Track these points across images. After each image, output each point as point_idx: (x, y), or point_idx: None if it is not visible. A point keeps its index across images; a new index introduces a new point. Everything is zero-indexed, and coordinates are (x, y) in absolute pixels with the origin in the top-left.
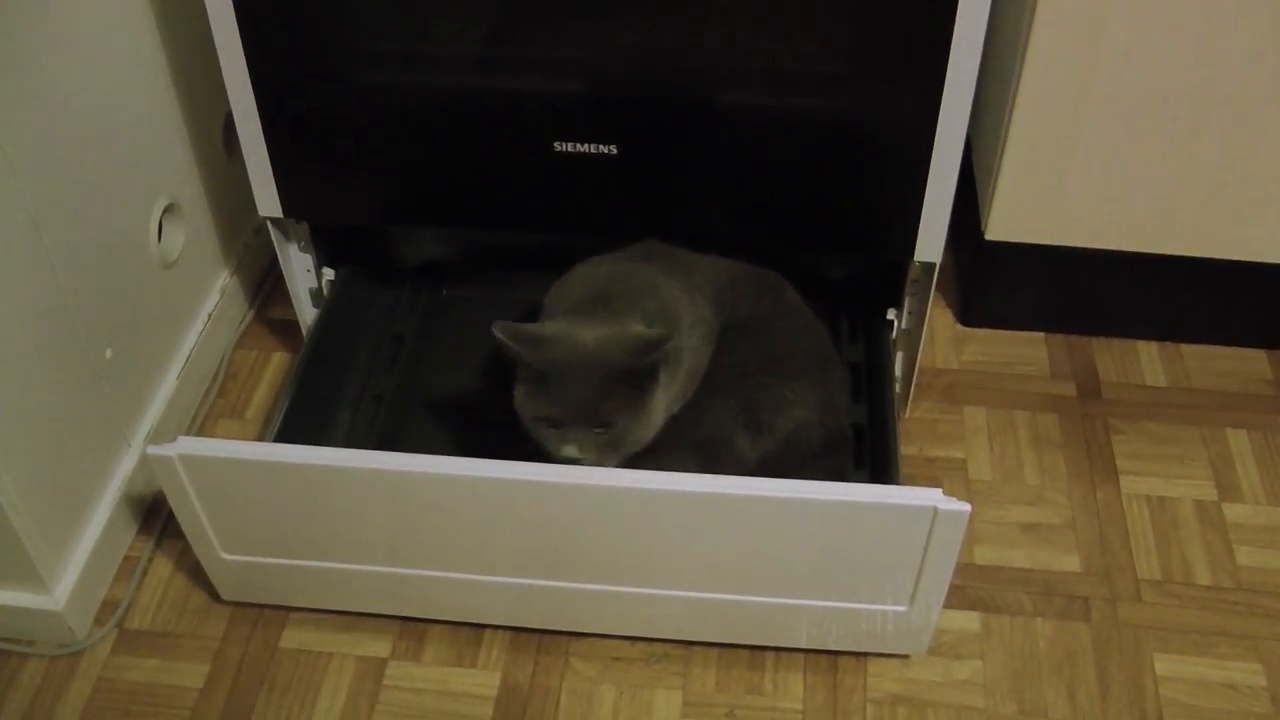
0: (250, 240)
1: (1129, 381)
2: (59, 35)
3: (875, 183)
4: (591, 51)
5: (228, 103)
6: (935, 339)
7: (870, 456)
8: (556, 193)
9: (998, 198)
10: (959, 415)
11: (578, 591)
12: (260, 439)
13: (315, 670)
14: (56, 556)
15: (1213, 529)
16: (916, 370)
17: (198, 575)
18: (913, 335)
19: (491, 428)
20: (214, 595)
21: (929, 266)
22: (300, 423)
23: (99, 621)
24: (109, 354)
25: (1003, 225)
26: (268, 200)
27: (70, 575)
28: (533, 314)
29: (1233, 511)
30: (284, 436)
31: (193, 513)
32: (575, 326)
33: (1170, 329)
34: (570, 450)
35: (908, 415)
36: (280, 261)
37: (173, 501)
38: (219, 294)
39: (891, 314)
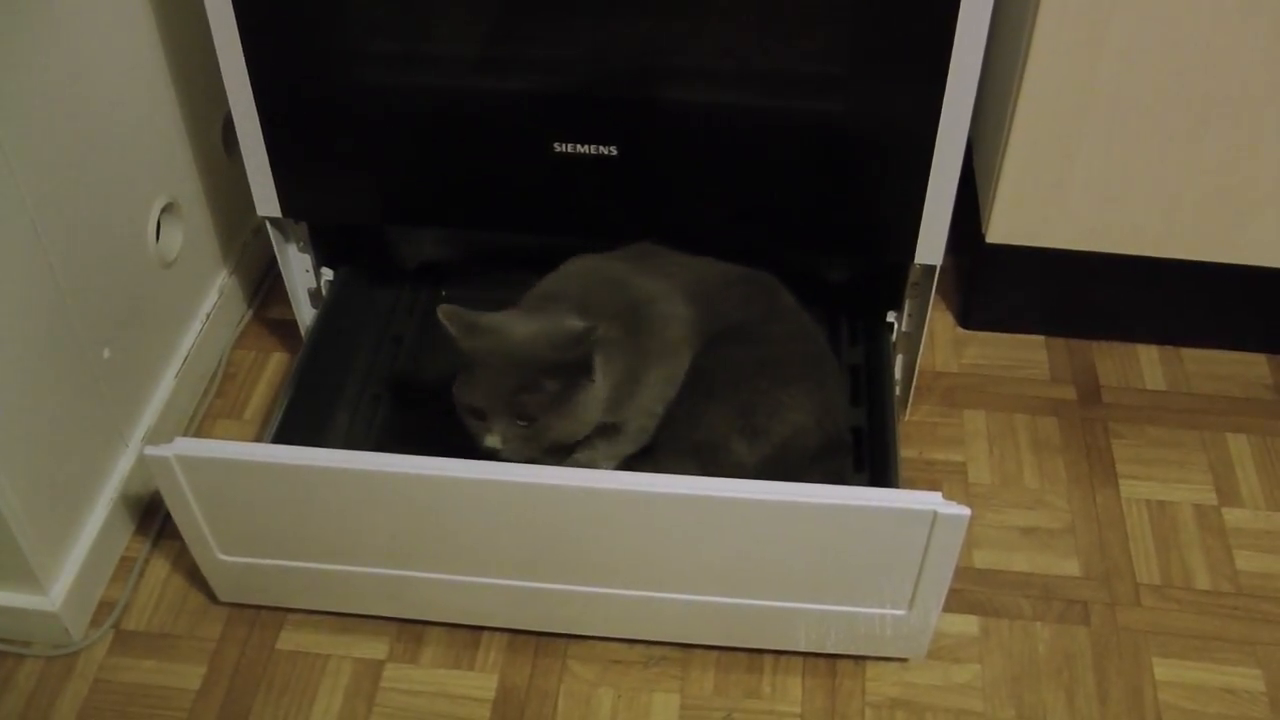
0: (249, 240)
1: (1129, 385)
2: (58, 35)
3: (876, 185)
4: (591, 52)
5: (227, 102)
6: (935, 342)
7: (870, 459)
8: (556, 193)
9: (998, 200)
10: (959, 418)
11: (576, 594)
12: (258, 439)
13: (312, 672)
14: (53, 557)
15: (1212, 533)
16: (916, 373)
17: (195, 576)
18: (913, 338)
19: None
20: (211, 596)
21: (929, 269)
22: (298, 423)
23: (95, 622)
24: (107, 354)
25: (1003, 228)
26: (266, 200)
27: (66, 576)
28: None
29: (1232, 516)
30: (282, 437)
31: (190, 514)
32: (513, 318)
33: (1171, 332)
34: (493, 441)
35: (907, 418)
36: (279, 262)
37: (170, 502)
38: (217, 294)
39: (891, 316)
